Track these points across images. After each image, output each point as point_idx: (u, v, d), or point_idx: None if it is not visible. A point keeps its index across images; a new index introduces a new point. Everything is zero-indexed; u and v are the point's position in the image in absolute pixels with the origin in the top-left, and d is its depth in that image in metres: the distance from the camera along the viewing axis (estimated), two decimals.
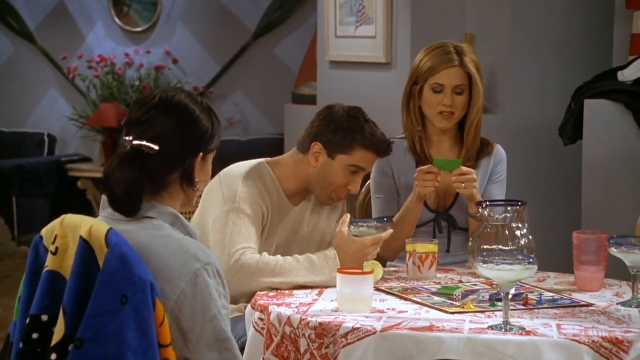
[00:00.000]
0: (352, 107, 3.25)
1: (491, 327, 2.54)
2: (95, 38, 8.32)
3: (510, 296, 2.56)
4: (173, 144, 2.30)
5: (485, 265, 2.53)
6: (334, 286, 2.93)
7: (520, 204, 3.13)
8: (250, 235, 3.11)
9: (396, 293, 2.92)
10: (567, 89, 4.43)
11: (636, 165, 4.01)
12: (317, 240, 3.31)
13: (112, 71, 8.05)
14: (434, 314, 2.69)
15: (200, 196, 3.18)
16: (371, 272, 2.75)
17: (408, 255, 3.15)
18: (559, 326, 2.58)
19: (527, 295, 2.86)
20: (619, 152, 4.03)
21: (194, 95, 2.40)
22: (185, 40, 8.16)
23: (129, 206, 2.29)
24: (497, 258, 2.54)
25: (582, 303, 2.82)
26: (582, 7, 4.78)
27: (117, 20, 8.29)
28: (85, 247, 2.20)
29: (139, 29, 8.26)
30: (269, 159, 3.28)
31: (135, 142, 2.29)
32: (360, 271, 2.77)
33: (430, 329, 2.53)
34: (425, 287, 3.01)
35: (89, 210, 7.55)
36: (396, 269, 3.34)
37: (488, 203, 3.15)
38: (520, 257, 2.56)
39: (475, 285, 3.02)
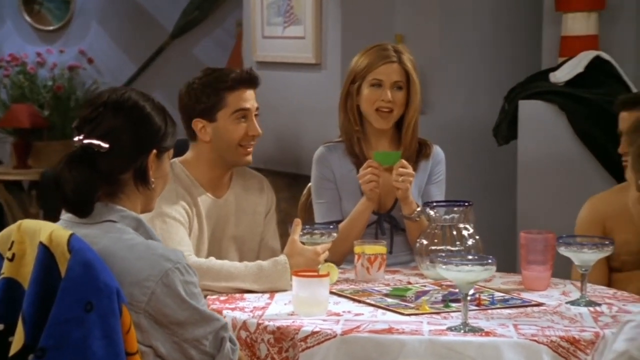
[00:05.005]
0: (202, 70, 3.26)
1: (450, 328, 2.55)
2: (5, 37, 8.12)
3: (468, 297, 2.57)
4: (123, 141, 2.26)
5: (444, 267, 2.53)
6: (284, 290, 2.96)
7: (466, 204, 3.17)
8: (182, 239, 3.09)
9: (348, 295, 2.91)
10: (497, 90, 4.48)
11: (570, 165, 4.08)
12: (246, 232, 3.30)
13: (24, 70, 7.87)
14: (390, 316, 2.69)
15: None
16: (327, 275, 2.74)
17: (356, 256, 3.14)
18: (515, 326, 2.60)
19: (479, 295, 2.87)
20: (553, 152, 4.10)
21: (145, 93, 2.36)
22: (100, 40, 8.03)
23: (80, 206, 2.25)
24: (456, 259, 2.55)
25: (533, 302, 2.86)
26: (511, 8, 4.84)
27: (27, 18, 8.10)
28: (46, 253, 2.14)
29: (51, 28, 8.09)
30: (179, 158, 3.28)
31: (85, 141, 2.25)
32: (315, 274, 2.75)
33: (389, 331, 2.53)
34: (376, 288, 3.00)
35: None
36: (341, 270, 3.33)
37: (435, 203, 3.19)
38: (478, 258, 2.57)
39: (425, 286, 3.03)
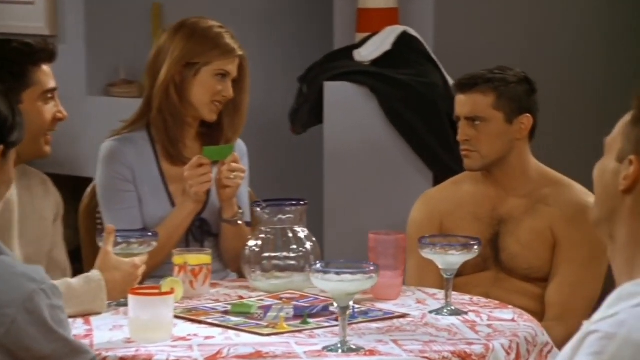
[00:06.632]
0: None
1: (327, 349, 2.52)
2: None
3: (347, 312, 2.55)
4: None
5: (322, 276, 2.50)
6: (98, 313, 2.84)
7: (301, 202, 3.16)
8: None
9: (182, 316, 2.81)
10: (280, 70, 4.49)
11: (382, 152, 4.15)
12: (33, 242, 3.14)
13: None
14: (247, 338, 2.64)
15: None
16: (171, 292, 2.64)
17: (177, 268, 3.05)
18: (395, 342, 2.61)
19: None
20: (364, 140, 4.15)
21: None
22: None
23: None
24: (335, 268, 2.52)
25: (396, 314, 2.88)
26: None
27: None
28: None
29: None
30: None
31: None
32: (157, 291, 2.64)
33: (259, 355, 2.48)
34: (207, 305, 2.93)
35: None
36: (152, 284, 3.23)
37: (265, 203, 3.15)
38: (359, 266, 2.56)
39: (262, 300, 2.98)
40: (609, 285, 3.39)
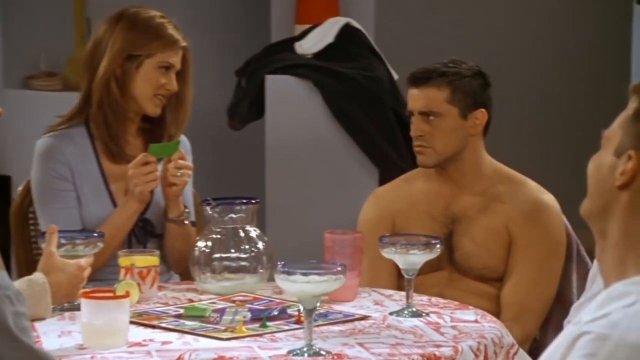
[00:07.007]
0: None
1: (292, 353, 2.50)
2: None
3: (313, 314, 2.53)
4: None
5: (289, 278, 2.47)
6: (42, 318, 2.78)
7: (252, 201, 3.14)
8: None
9: (134, 320, 2.76)
10: (211, 63, 4.46)
11: (326, 148, 4.14)
12: None
13: None
14: (206, 342, 2.59)
15: None
16: (127, 296, 2.60)
17: (123, 270, 3.00)
18: (362, 345, 2.59)
19: (299, 311, 2.84)
20: (307, 135, 4.14)
21: None
22: None
23: None
24: (301, 269, 2.49)
25: (357, 316, 2.87)
26: None
27: None
28: None
29: None
30: None
31: None
32: (111, 294, 2.60)
33: None
34: (158, 309, 2.89)
35: None
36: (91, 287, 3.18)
37: (215, 203, 3.13)
38: (326, 266, 2.54)
39: (215, 303, 2.95)
40: (562, 285, 3.44)
